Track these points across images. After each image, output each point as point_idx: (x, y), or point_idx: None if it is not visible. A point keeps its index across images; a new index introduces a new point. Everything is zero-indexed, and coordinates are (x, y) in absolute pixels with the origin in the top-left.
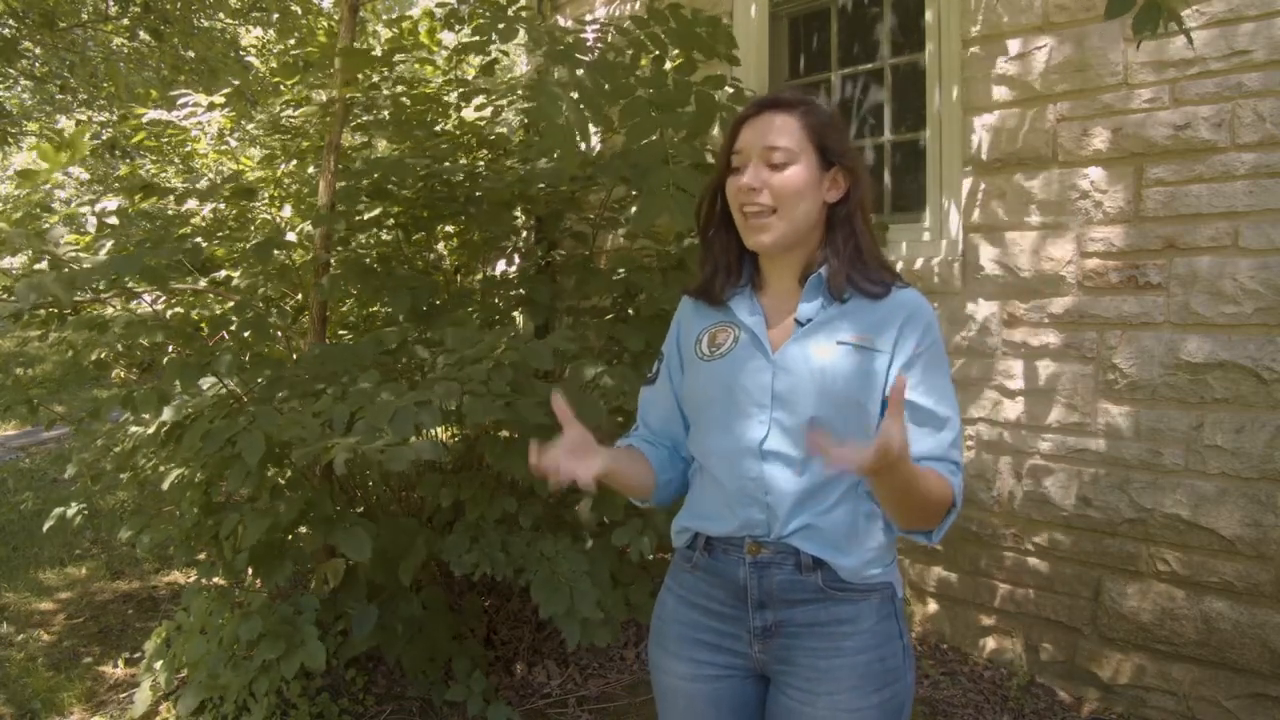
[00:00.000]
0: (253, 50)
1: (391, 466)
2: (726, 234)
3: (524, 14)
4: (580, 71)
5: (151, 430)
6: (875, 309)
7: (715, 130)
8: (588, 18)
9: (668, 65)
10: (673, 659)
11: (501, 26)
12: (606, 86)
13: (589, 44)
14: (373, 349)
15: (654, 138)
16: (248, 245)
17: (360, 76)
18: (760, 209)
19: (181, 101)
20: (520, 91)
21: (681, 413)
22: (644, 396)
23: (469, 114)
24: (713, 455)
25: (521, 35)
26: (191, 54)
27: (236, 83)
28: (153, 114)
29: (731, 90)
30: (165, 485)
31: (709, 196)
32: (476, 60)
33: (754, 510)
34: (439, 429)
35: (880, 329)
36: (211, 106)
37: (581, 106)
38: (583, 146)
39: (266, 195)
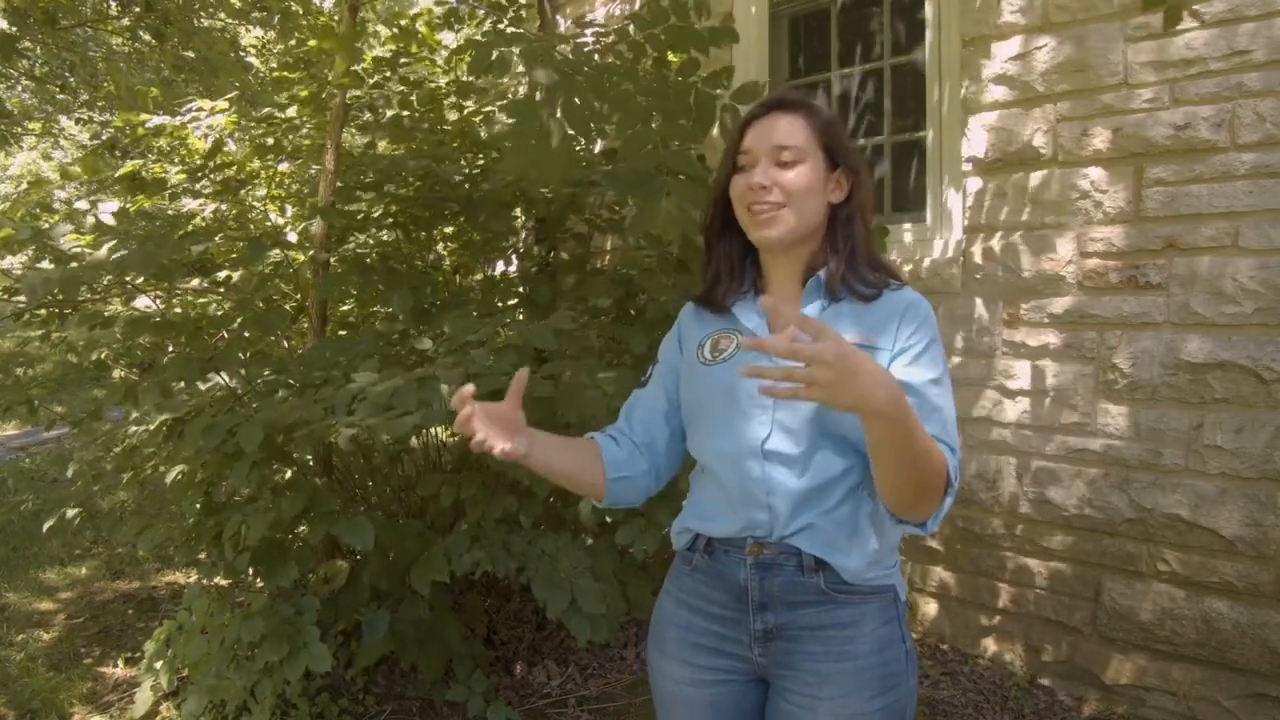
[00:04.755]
0: (253, 50)
1: (391, 433)
2: (730, 238)
3: (523, 12)
4: (576, 98)
5: (152, 429)
6: (873, 309)
7: (715, 131)
8: (588, 17)
9: (670, 62)
10: (672, 663)
11: (497, 54)
12: (598, 105)
13: (588, 49)
14: (373, 340)
15: (650, 147)
16: (244, 244)
17: (363, 76)
18: (769, 206)
19: (186, 108)
20: (501, 107)
21: (668, 417)
22: (633, 396)
23: (469, 114)
24: (715, 457)
25: (518, 64)
26: (191, 54)
27: (238, 86)
28: (156, 120)
29: (734, 88)
30: (167, 481)
31: (714, 200)
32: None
33: (756, 511)
34: (439, 428)
35: (880, 328)
36: (215, 111)
37: (566, 126)
38: (565, 169)
39: (265, 193)
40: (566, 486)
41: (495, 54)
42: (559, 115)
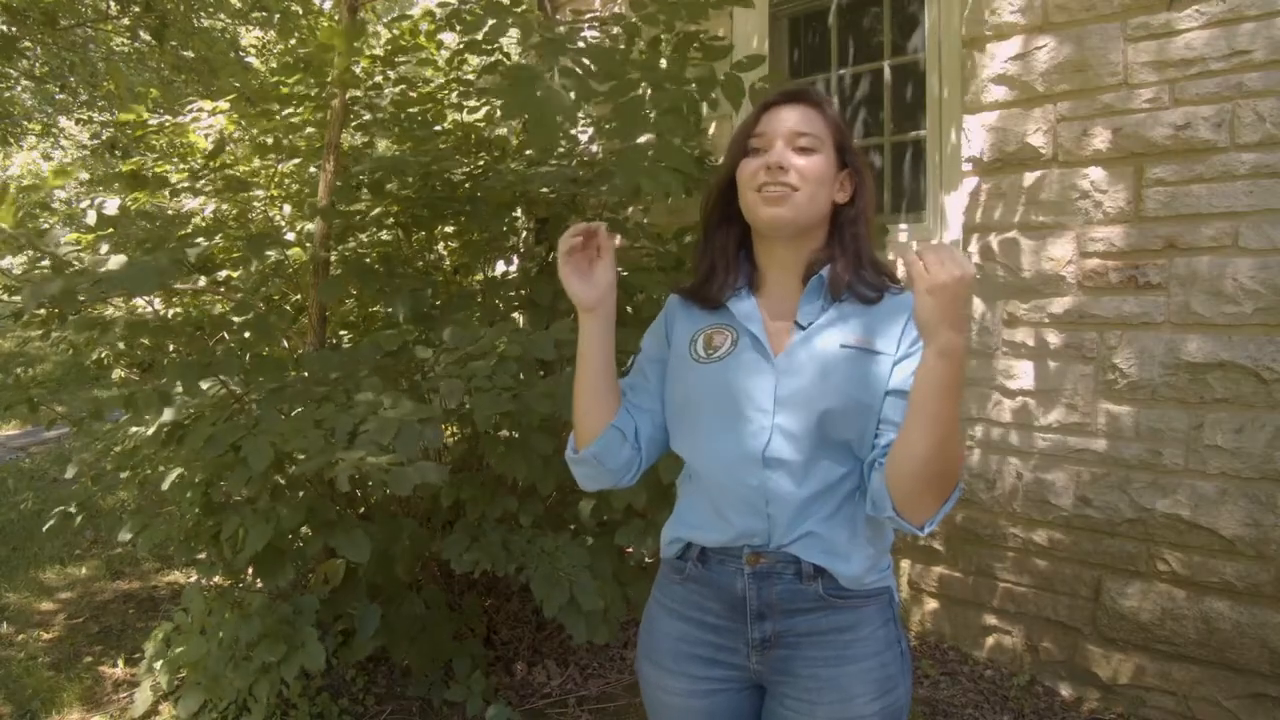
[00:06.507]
0: (253, 50)
1: (397, 491)
2: (728, 229)
3: (523, 12)
4: (567, 60)
5: (151, 431)
6: (874, 311)
7: (715, 93)
8: (588, 14)
9: (664, 46)
10: (665, 674)
11: (492, 23)
12: (593, 67)
13: (585, 36)
14: (373, 352)
15: (643, 113)
16: (244, 241)
17: (361, 75)
18: (783, 188)
19: (188, 109)
20: (498, 74)
21: (653, 413)
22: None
23: (468, 115)
24: (710, 461)
25: (513, 32)
26: (191, 54)
27: (239, 86)
28: (159, 118)
29: (735, 61)
30: (165, 485)
31: (717, 187)
32: (477, 61)
33: (754, 520)
34: (442, 433)
35: (881, 331)
36: (215, 111)
37: (564, 85)
38: (567, 126)
39: (264, 193)
40: (582, 385)
41: (489, 23)
42: (555, 79)
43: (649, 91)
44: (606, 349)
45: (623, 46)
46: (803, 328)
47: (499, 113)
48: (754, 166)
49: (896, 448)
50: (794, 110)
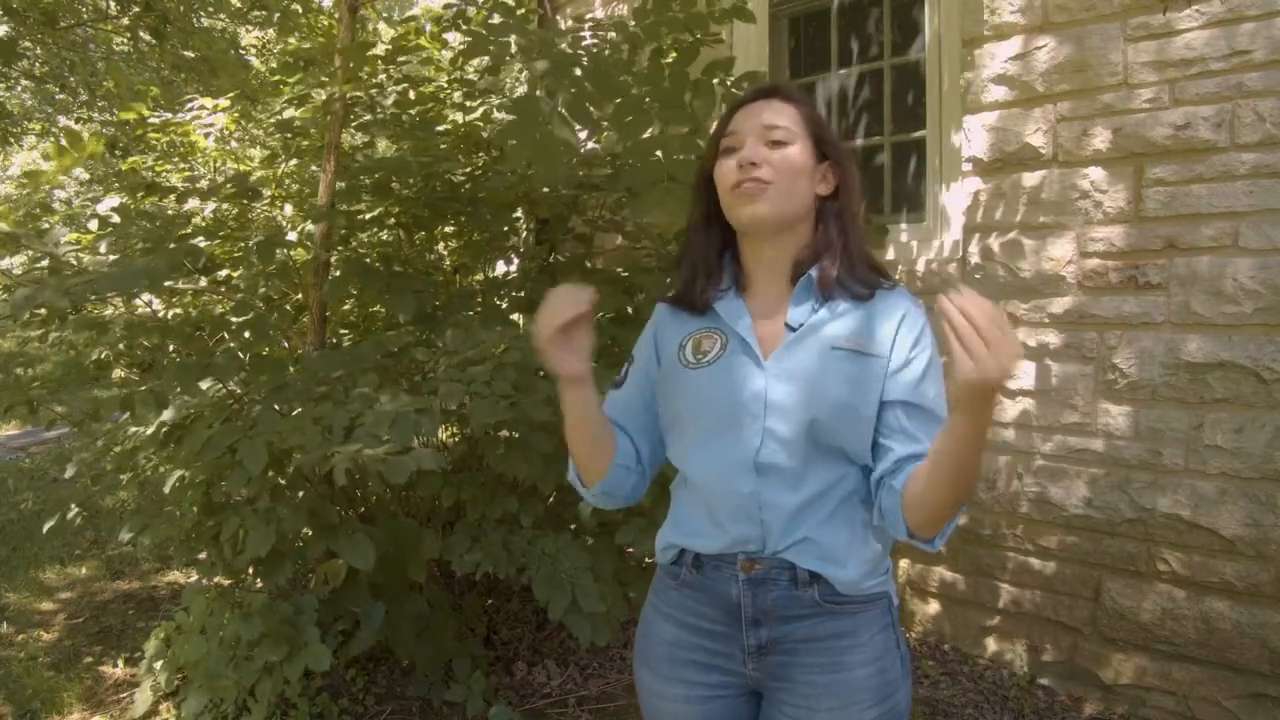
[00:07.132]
0: (253, 50)
1: (392, 478)
2: (710, 230)
3: (524, 14)
4: (569, 81)
5: (151, 431)
6: (866, 312)
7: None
8: (588, 17)
9: (666, 59)
10: (661, 680)
11: (495, 43)
12: (589, 85)
13: (586, 44)
14: (374, 353)
15: (647, 135)
16: (249, 244)
17: (363, 75)
18: (757, 183)
19: (189, 105)
20: (500, 104)
21: (648, 428)
22: (609, 400)
23: (468, 115)
24: (702, 468)
25: (514, 47)
26: (191, 53)
27: (240, 87)
28: (159, 118)
29: (736, 76)
30: (166, 487)
31: (697, 189)
32: (479, 61)
33: (748, 526)
34: (440, 429)
35: (873, 332)
36: (217, 109)
37: (564, 113)
38: (567, 159)
39: (268, 194)
40: (579, 446)
41: (492, 42)
42: (560, 108)
43: (648, 100)
44: (596, 408)
45: (625, 48)
46: (793, 329)
47: (499, 113)
48: (728, 166)
49: (926, 489)
50: (765, 105)
